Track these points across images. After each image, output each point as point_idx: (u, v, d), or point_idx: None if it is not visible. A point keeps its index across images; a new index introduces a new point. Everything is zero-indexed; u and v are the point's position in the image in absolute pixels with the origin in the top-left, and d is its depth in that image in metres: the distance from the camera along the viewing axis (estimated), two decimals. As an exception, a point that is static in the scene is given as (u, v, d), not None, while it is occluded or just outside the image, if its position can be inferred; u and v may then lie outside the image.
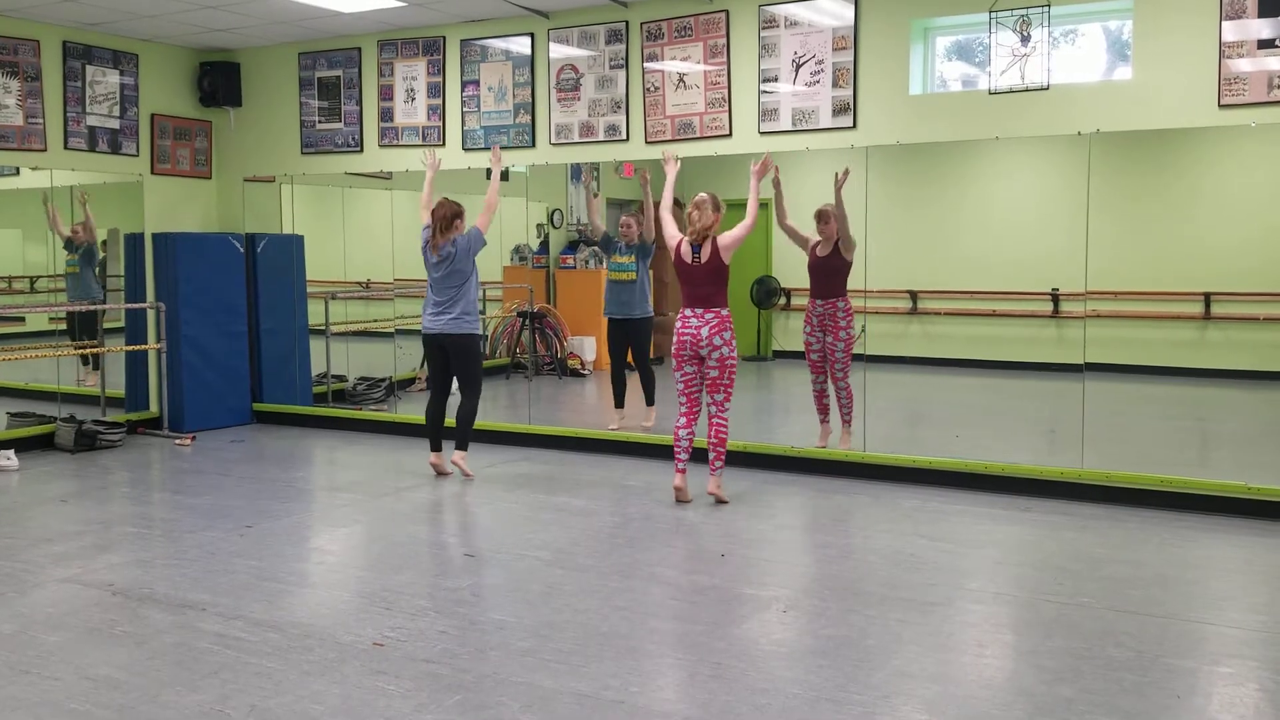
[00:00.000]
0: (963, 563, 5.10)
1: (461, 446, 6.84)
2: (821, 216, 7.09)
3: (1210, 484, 5.95)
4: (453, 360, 6.81)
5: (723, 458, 6.17)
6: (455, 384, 6.98)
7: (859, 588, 4.69)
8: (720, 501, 6.13)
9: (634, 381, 8.20)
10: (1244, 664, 3.85)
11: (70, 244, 8.95)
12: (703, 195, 6.16)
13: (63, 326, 9.04)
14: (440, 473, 6.90)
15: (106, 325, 9.10)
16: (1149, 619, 4.27)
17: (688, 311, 6.13)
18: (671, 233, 6.30)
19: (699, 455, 6.34)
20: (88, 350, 8.91)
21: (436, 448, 6.93)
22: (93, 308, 9.05)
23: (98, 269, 9.14)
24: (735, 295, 6.59)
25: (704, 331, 6.04)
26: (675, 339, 6.14)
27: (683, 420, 6.20)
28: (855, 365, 7.19)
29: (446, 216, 6.73)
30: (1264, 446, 7.76)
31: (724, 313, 6.09)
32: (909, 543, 5.38)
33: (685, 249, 6.16)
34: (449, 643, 4.03)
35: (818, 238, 7.15)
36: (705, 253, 6.10)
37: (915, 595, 4.57)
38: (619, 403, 8.20)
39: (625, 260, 8.12)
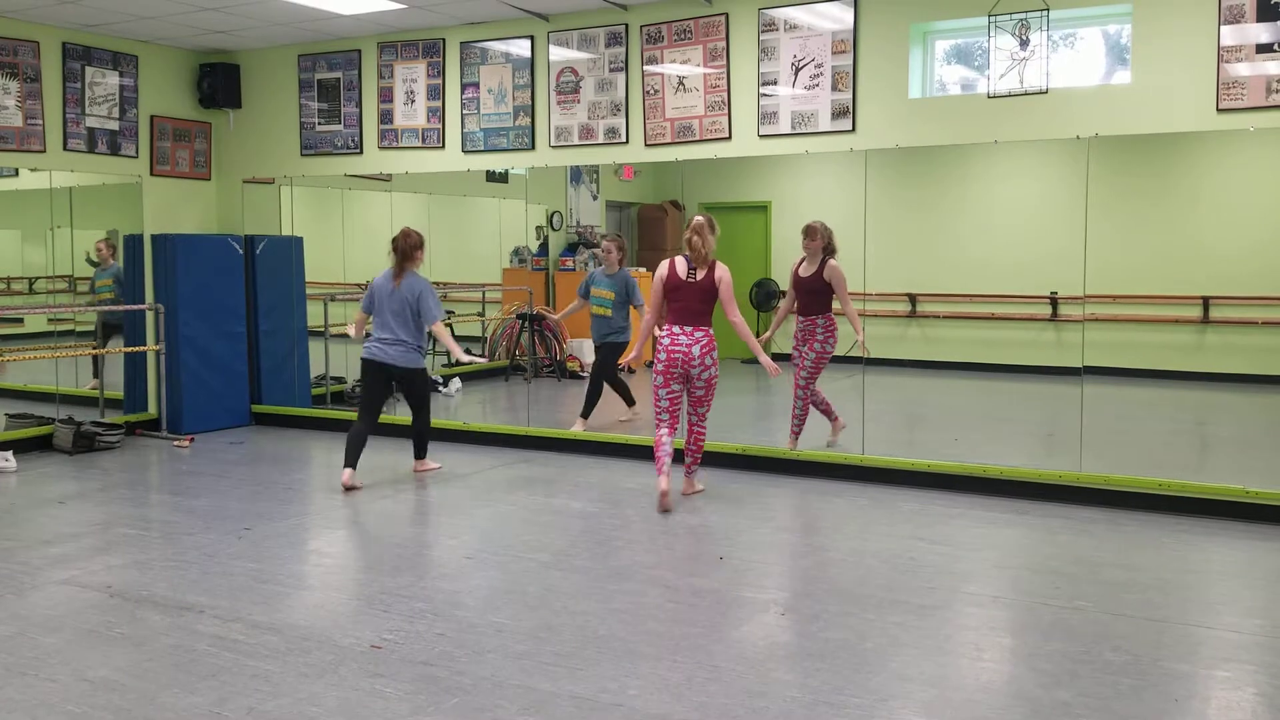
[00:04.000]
0: (961, 566, 5.10)
1: (421, 455, 7.11)
2: (808, 232, 7.10)
3: (1208, 488, 5.95)
4: (403, 388, 6.94)
5: (699, 462, 6.35)
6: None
7: (857, 591, 4.69)
8: (695, 492, 6.27)
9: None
10: (1241, 668, 3.85)
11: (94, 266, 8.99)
12: (700, 219, 6.05)
13: (62, 328, 9.03)
14: (350, 489, 6.58)
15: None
16: (1147, 623, 4.28)
17: (676, 329, 6.03)
18: (654, 288, 6.18)
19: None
20: (94, 352, 8.90)
21: (351, 464, 6.61)
22: (92, 308, 9.05)
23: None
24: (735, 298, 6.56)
25: (695, 350, 5.99)
26: (664, 356, 6.03)
27: (664, 431, 6.14)
28: (853, 367, 7.21)
29: (410, 246, 6.68)
30: (1262, 450, 7.77)
31: (711, 332, 6.08)
32: (907, 546, 5.38)
33: (680, 266, 6.06)
34: (447, 645, 4.03)
35: (804, 257, 7.16)
36: (701, 274, 6.03)
37: (913, 598, 4.57)
38: (586, 413, 8.11)
39: (603, 294, 8.12)
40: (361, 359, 6.78)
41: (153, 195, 8.88)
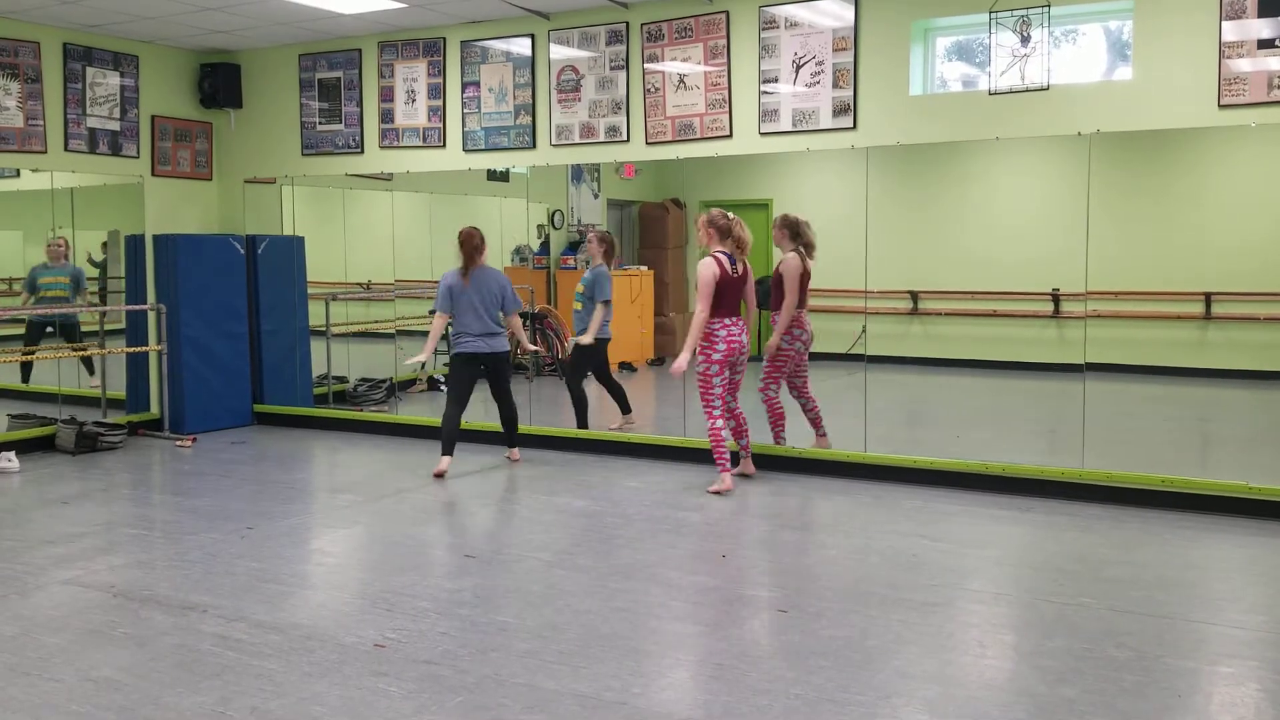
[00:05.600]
0: (964, 563, 5.10)
1: (515, 443, 7.44)
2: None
3: (1211, 484, 5.95)
4: (494, 375, 7.21)
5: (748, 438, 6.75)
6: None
7: (860, 588, 4.69)
8: (748, 474, 6.70)
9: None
10: (1244, 664, 3.85)
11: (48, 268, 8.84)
12: (734, 216, 6.53)
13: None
14: (439, 475, 6.89)
15: (108, 327, 9.10)
16: (1150, 619, 4.28)
17: (728, 320, 6.42)
18: (707, 286, 6.37)
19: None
20: (90, 353, 8.91)
21: (449, 452, 6.95)
22: (95, 309, 9.05)
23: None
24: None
25: (744, 339, 6.51)
26: (724, 346, 6.38)
27: (720, 423, 6.48)
28: (856, 365, 7.20)
29: (477, 245, 7.07)
30: (1265, 447, 7.76)
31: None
32: (910, 543, 5.38)
33: (725, 263, 6.41)
34: (450, 644, 4.03)
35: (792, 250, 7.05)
36: (741, 266, 6.49)
37: (916, 596, 4.57)
38: (583, 423, 7.96)
39: (579, 289, 8.10)
40: (458, 354, 7.07)
41: (154, 195, 8.88)
